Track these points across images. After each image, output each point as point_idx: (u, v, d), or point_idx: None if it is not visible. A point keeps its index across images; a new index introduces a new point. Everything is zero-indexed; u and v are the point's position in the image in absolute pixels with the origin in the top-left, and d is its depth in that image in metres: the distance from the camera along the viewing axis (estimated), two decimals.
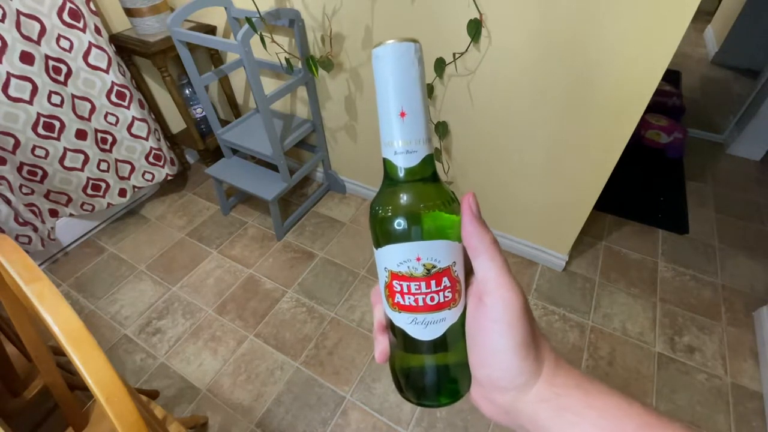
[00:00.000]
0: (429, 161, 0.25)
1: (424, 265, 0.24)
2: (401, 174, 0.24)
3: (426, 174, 0.25)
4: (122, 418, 0.41)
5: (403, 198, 0.24)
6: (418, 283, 0.24)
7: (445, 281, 0.24)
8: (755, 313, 1.33)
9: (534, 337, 0.24)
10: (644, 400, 1.15)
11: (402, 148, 0.24)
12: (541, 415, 0.23)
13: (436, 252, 0.24)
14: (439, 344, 0.26)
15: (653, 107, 1.91)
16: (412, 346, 0.26)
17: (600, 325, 1.32)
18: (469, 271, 0.26)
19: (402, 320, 0.26)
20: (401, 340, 0.26)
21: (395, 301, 0.25)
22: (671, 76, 2.62)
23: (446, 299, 0.25)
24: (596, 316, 1.35)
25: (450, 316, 0.25)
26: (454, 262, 0.25)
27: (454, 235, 0.25)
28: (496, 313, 0.23)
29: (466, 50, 1.09)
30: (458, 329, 0.26)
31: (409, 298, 0.25)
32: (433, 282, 0.24)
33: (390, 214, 0.24)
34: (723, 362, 1.23)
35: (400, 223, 0.24)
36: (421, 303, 0.24)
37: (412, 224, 0.24)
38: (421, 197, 0.24)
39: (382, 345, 0.28)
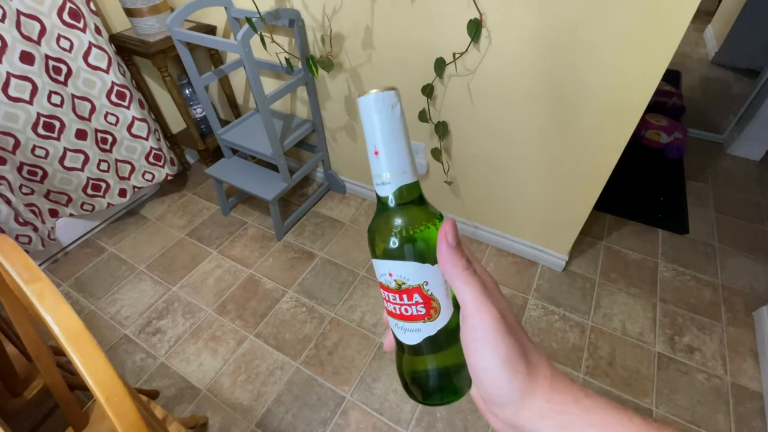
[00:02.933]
0: (410, 189, 0.27)
1: (395, 281, 0.26)
2: (387, 201, 0.27)
3: (410, 199, 0.27)
4: (122, 418, 0.41)
5: (384, 220, 0.27)
6: (393, 295, 0.27)
7: (417, 297, 0.26)
8: (755, 313, 1.33)
9: (523, 353, 0.24)
10: (644, 400, 1.15)
11: (388, 179, 0.27)
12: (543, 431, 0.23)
13: (404, 271, 0.26)
14: (421, 350, 0.28)
15: (653, 107, 1.91)
16: (400, 346, 0.29)
17: (600, 325, 1.32)
18: None
19: (390, 323, 0.29)
20: (396, 339, 0.30)
21: (385, 305, 0.29)
22: (671, 76, 2.62)
23: (419, 313, 0.27)
24: (596, 316, 1.35)
25: (426, 329, 0.27)
26: (426, 282, 0.26)
27: (428, 258, 0.26)
28: (478, 333, 0.24)
29: (466, 50, 1.09)
30: (440, 340, 0.27)
31: (389, 306, 0.28)
32: (404, 296, 0.27)
33: (372, 233, 0.28)
34: (723, 362, 1.23)
35: (381, 242, 0.27)
36: (397, 312, 0.27)
37: (385, 244, 0.27)
38: (398, 221, 0.27)
39: (390, 335, 0.31)
